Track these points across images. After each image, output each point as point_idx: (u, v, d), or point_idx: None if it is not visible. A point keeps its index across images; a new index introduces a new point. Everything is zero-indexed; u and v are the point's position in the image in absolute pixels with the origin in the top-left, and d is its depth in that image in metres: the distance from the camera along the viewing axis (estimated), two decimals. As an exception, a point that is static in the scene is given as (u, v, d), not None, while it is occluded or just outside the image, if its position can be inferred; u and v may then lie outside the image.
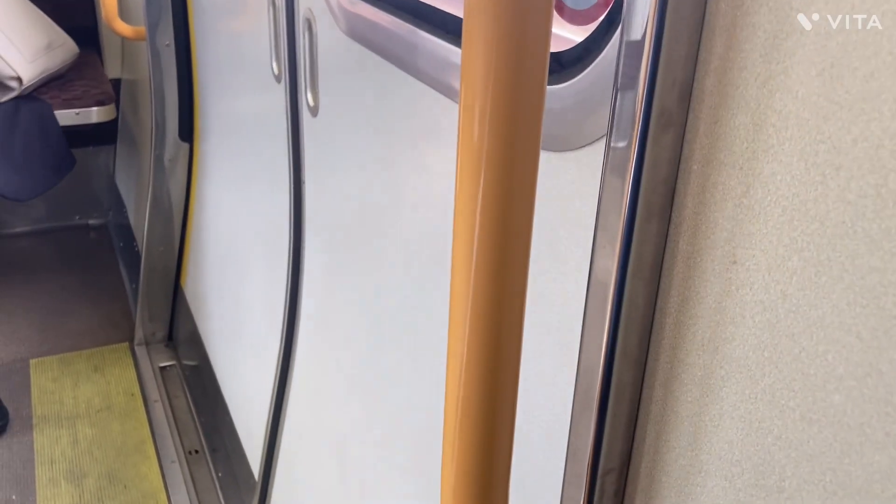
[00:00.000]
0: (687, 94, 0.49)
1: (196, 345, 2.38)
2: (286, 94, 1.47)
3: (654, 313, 0.54)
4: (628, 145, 0.49)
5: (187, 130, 2.31)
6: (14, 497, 2.04)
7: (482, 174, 0.44)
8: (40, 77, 2.45)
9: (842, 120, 0.40)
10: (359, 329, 1.28)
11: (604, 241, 0.53)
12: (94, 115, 2.52)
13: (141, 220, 2.47)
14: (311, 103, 1.36)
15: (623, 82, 0.49)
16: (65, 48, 2.55)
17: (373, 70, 1.06)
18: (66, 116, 2.47)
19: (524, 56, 0.41)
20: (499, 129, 0.43)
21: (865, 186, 0.40)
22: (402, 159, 1.02)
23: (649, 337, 0.55)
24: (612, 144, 0.51)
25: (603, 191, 0.53)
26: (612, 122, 0.50)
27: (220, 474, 2.11)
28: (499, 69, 0.41)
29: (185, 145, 2.32)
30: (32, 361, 2.50)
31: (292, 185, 1.51)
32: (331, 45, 1.22)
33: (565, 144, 0.63)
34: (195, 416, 2.30)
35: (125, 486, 2.09)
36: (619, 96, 0.50)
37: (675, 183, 0.51)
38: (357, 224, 1.23)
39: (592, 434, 0.57)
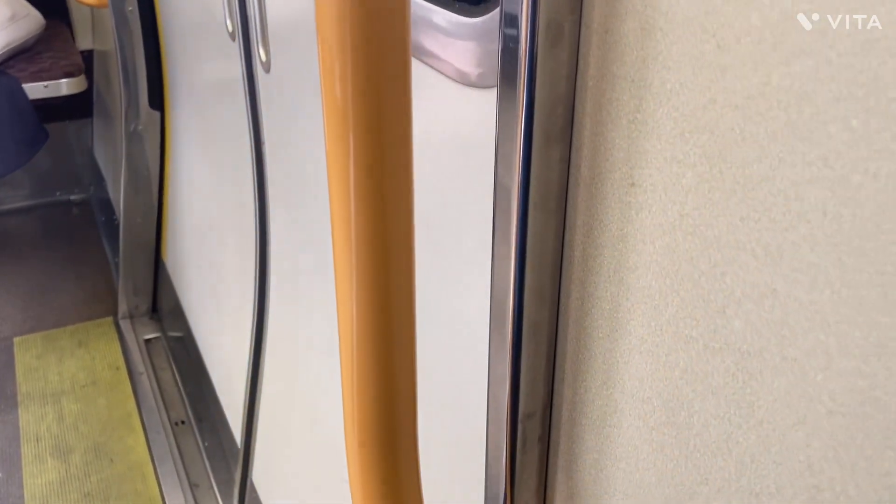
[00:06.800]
0: (578, 2, 0.45)
1: (180, 316, 2.35)
2: (240, 52, 1.43)
3: (562, 247, 0.51)
4: (517, 63, 0.45)
5: (157, 98, 2.26)
6: (0, 475, 2.03)
7: (349, 103, 0.40)
8: (5, 50, 2.39)
9: (724, 14, 0.36)
10: (324, 289, 1.25)
11: (504, 169, 0.49)
12: (64, 87, 2.46)
13: (119, 194, 2.43)
14: (264, 59, 1.32)
15: (508, -4, 0.45)
16: (29, 19, 2.49)
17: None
18: (35, 90, 2.41)
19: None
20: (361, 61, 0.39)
21: (750, 87, 0.36)
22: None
23: (560, 273, 0.52)
24: (502, 64, 0.47)
25: (499, 116, 0.49)
26: (501, 39, 0.46)
27: (206, 444, 2.09)
28: None
29: (156, 114, 2.27)
30: (16, 339, 2.48)
31: (253, 146, 1.47)
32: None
33: (486, 81, 0.59)
34: (181, 388, 2.28)
35: (111, 460, 2.08)
36: (504, 7, 0.45)
37: (574, 103, 0.47)
38: (314, 181, 1.20)
39: (509, 376, 0.54)
